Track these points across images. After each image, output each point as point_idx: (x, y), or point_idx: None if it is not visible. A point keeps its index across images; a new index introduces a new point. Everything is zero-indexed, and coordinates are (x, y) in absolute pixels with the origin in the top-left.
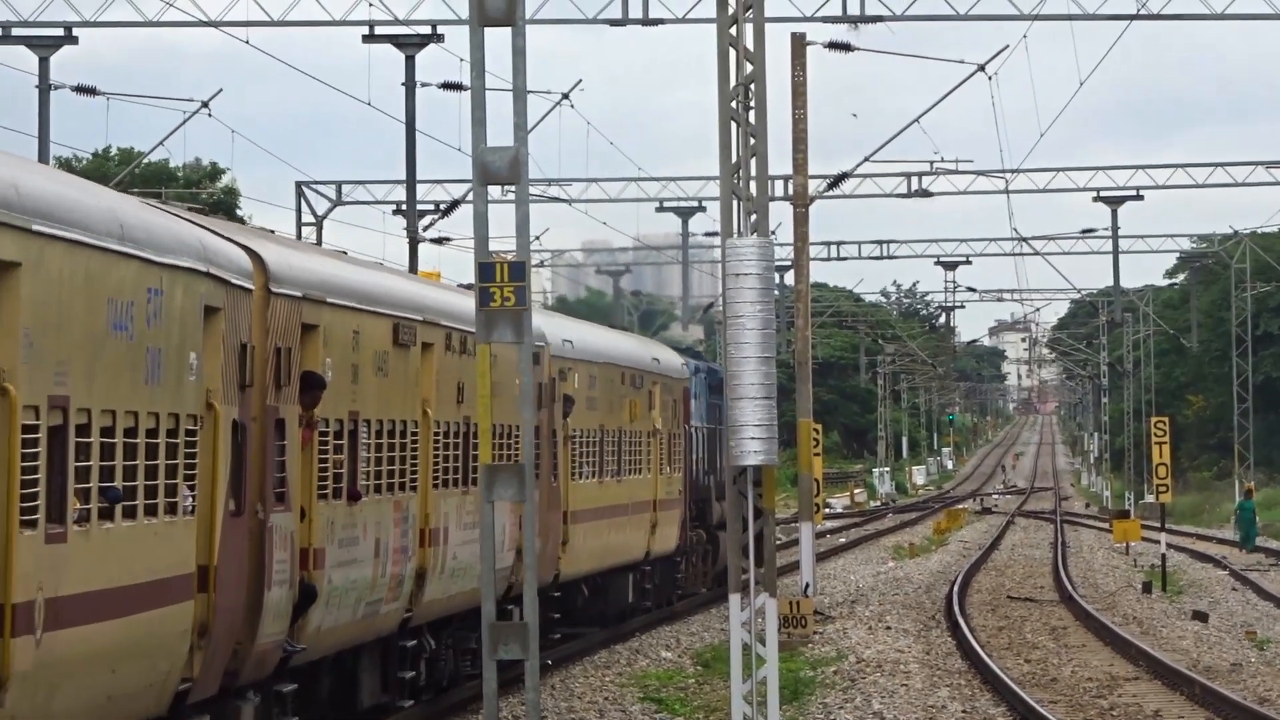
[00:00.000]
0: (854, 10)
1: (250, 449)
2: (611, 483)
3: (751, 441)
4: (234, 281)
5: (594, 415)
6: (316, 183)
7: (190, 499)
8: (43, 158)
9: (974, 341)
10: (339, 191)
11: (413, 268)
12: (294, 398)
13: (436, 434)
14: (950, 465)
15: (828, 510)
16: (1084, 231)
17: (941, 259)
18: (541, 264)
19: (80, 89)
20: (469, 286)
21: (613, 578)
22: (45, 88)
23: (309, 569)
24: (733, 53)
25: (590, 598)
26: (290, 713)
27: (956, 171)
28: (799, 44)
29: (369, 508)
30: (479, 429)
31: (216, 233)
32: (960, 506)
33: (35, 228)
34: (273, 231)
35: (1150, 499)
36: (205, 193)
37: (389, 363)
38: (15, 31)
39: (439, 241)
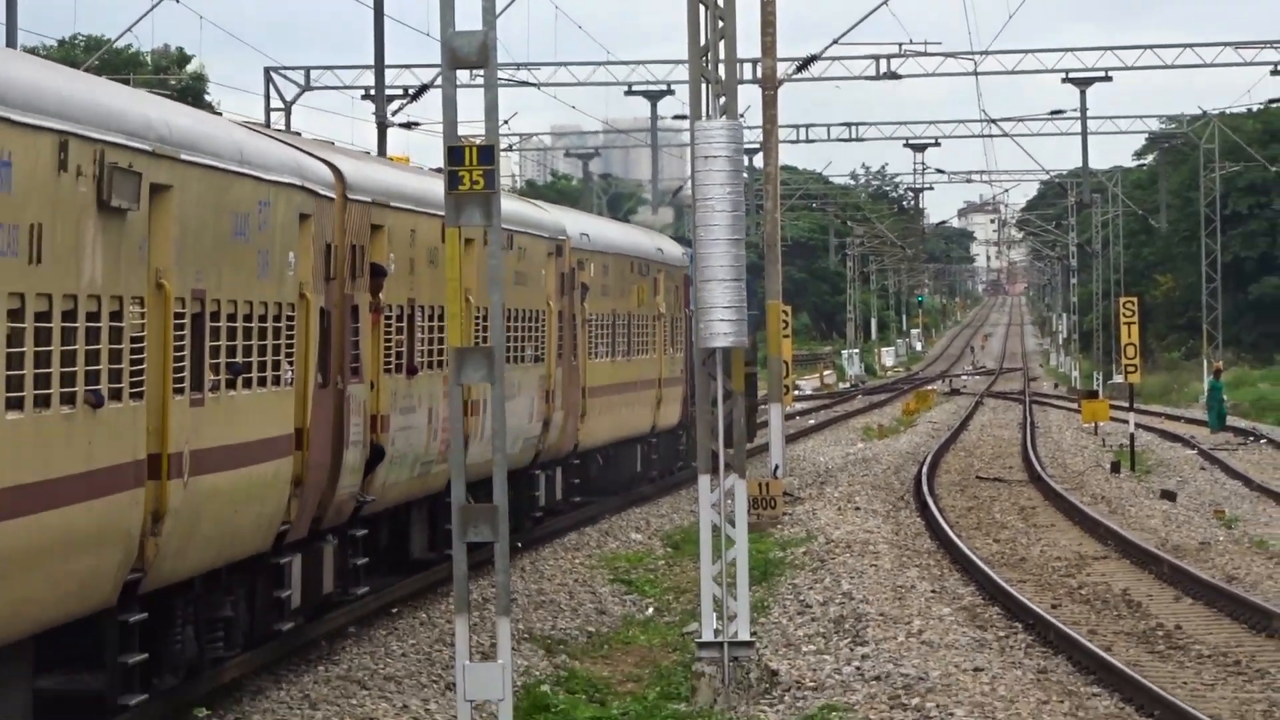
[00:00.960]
0: None
1: (333, 331)
2: (623, 362)
3: (721, 324)
4: (320, 192)
5: (607, 301)
6: (285, 68)
7: (289, 373)
8: (10, 45)
9: (943, 223)
10: (307, 77)
11: (381, 152)
12: (365, 287)
13: (477, 318)
14: (919, 347)
15: (797, 392)
16: (1053, 113)
17: (910, 141)
18: (510, 148)
19: None
20: (438, 170)
21: (623, 449)
22: None
23: (377, 432)
24: None
25: (604, 467)
26: (358, 555)
27: (925, 54)
28: None
29: (423, 381)
30: (447, 311)
31: (307, 152)
32: (929, 388)
33: (182, 156)
34: (333, 143)
35: (1118, 379)
36: (173, 79)
37: (439, 256)
38: None
39: (408, 126)
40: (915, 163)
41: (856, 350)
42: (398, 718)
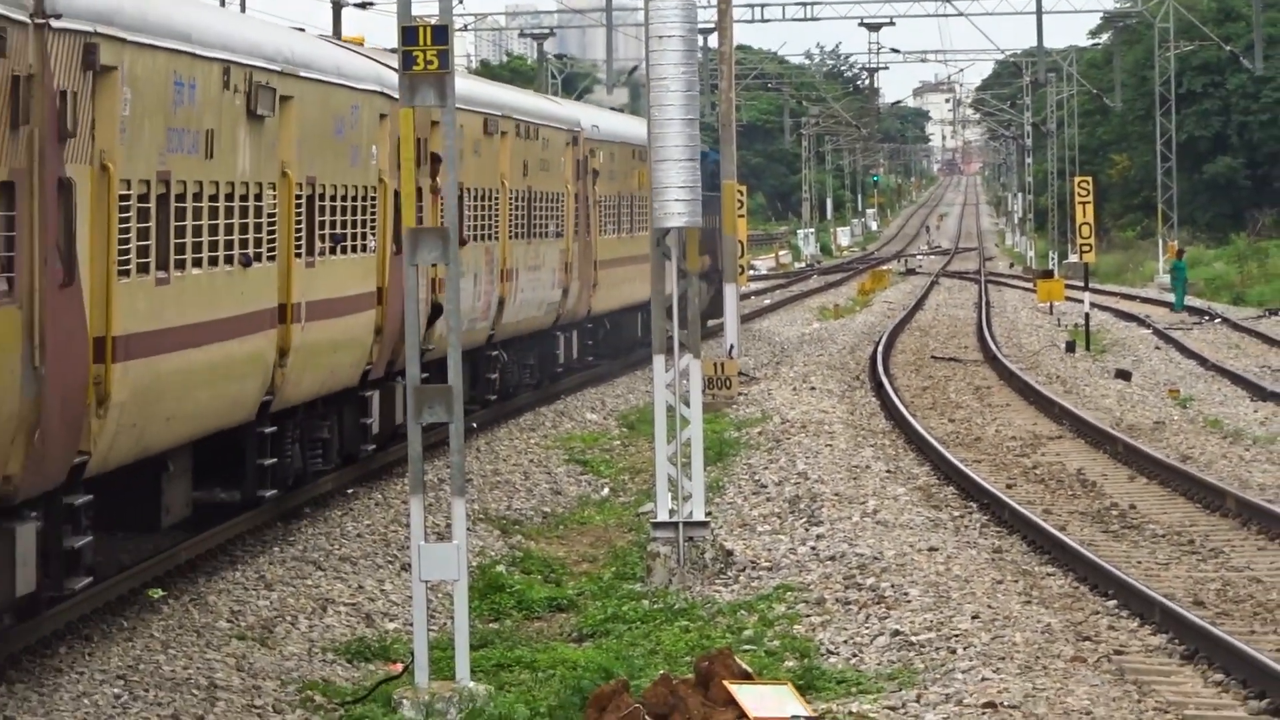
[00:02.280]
0: None
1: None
2: (627, 238)
3: (675, 204)
4: (394, 95)
5: (613, 184)
6: None
7: (372, 242)
8: None
9: (898, 103)
10: None
11: (336, 33)
12: (427, 173)
13: (511, 198)
14: (875, 226)
15: (752, 272)
16: None
17: (865, 20)
18: (465, 28)
19: None
20: (393, 50)
21: (627, 315)
22: None
23: (436, 292)
24: None
25: (610, 331)
26: None
27: None
28: None
29: (471, 251)
30: (402, 192)
31: (383, 64)
32: (885, 267)
33: (300, 74)
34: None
35: (1074, 258)
36: None
37: (481, 147)
38: None
39: (362, 6)
40: (870, 42)
41: (812, 230)
42: (353, 598)
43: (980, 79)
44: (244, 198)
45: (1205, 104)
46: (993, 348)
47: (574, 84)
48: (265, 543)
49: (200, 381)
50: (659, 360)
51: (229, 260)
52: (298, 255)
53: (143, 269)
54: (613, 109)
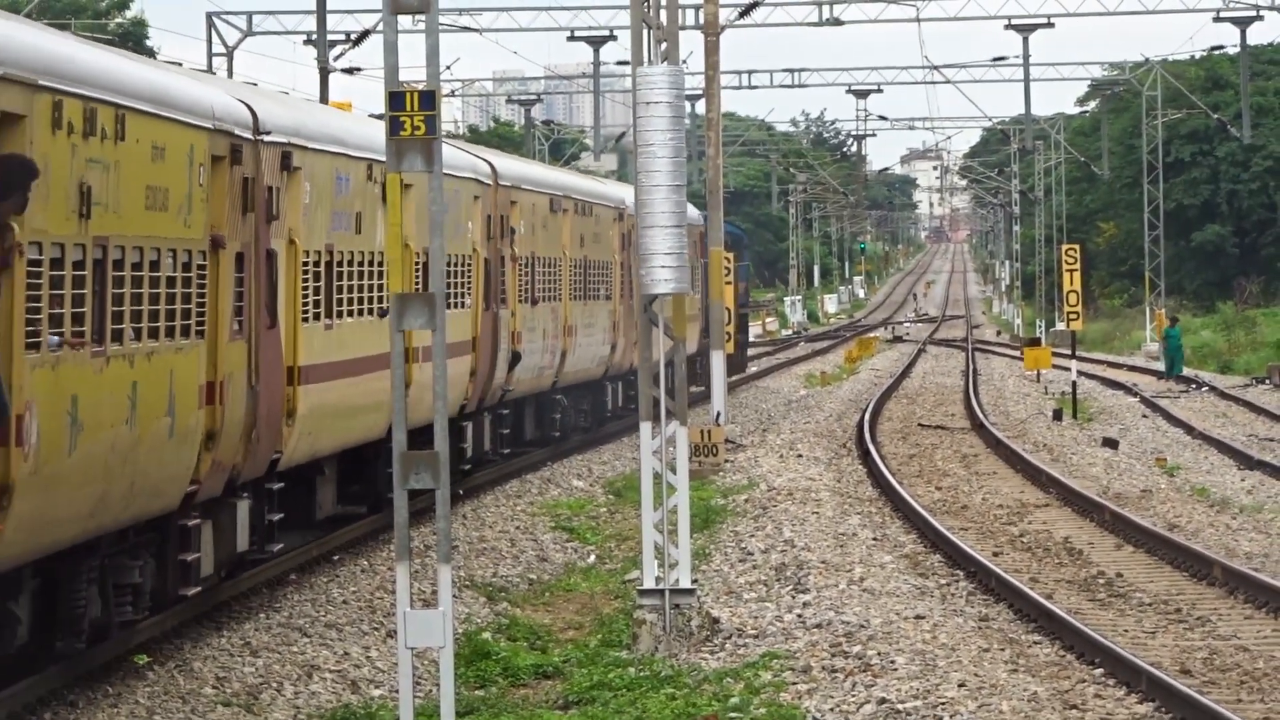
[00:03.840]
0: None
1: (491, 274)
2: None
3: (662, 270)
4: (485, 181)
5: None
6: (227, 13)
7: (467, 299)
8: None
9: (885, 170)
10: (249, 22)
11: (324, 98)
12: (508, 244)
13: (571, 266)
14: (862, 293)
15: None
16: (995, 59)
17: (853, 87)
18: (452, 94)
19: None
20: (379, 116)
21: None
22: None
23: (515, 343)
24: None
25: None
26: (506, 426)
27: (867, 0)
28: None
29: (540, 309)
30: (387, 257)
31: (476, 154)
32: (872, 335)
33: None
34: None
35: (1061, 326)
36: (113, 23)
37: (549, 223)
38: None
39: (350, 71)
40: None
41: (799, 297)
42: (339, 664)
43: (968, 146)
44: (380, 264)
45: (1193, 172)
46: (980, 415)
47: (561, 150)
48: (250, 609)
49: (350, 405)
50: (646, 427)
51: (371, 312)
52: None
53: (316, 317)
54: (602, 175)
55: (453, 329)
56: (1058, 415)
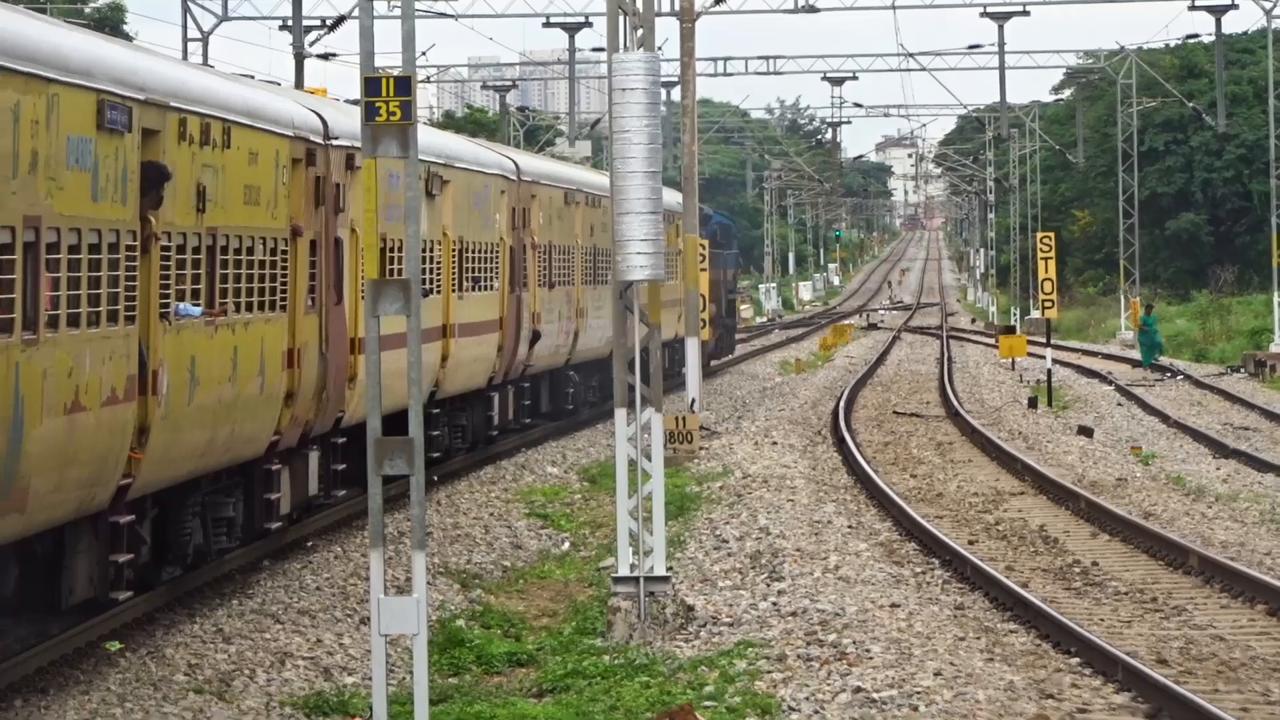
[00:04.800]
0: None
1: (515, 259)
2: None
3: (638, 256)
4: (511, 177)
5: None
6: None
7: (495, 283)
8: None
9: (860, 157)
10: (225, 7)
11: (299, 84)
12: (529, 233)
13: (583, 253)
14: (836, 281)
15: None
16: (970, 47)
17: (828, 75)
18: (428, 80)
19: None
20: (355, 102)
21: (665, 348)
22: None
23: (536, 323)
24: None
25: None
26: (526, 398)
27: None
28: None
29: (556, 293)
30: (364, 242)
31: (502, 153)
32: (846, 322)
33: (455, 165)
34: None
35: (1036, 314)
36: (89, 8)
37: (564, 214)
38: None
39: (325, 58)
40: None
41: (774, 284)
42: (312, 651)
43: (943, 134)
44: (426, 250)
45: (1168, 160)
46: (955, 403)
47: (536, 136)
48: (223, 595)
49: (398, 372)
50: (621, 414)
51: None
52: (455, 290)
53: None
54: (577, 161)
55: (482, 309)
56: (1033, 403)
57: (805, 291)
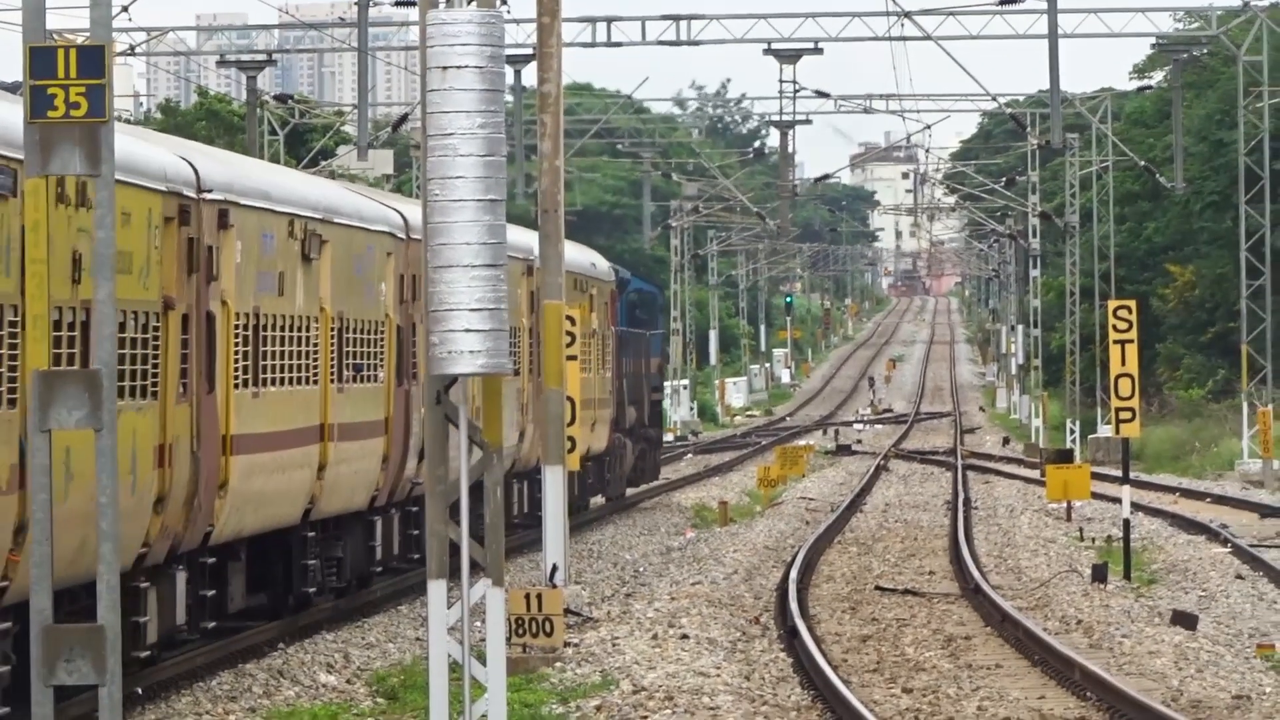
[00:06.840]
0: None
1: (404, 344)
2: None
3: (466, 337)
4: (398, 235)
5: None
6: None
7: (381, 373)
8: None
9: (826, 178)
10: None
11: None
12: (418, 308)
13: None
14: (787, 377)
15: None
16: (1002, 2)
17: (774, 45)
18: (132, 50)
19: None
20: (13, 87)
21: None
22: None
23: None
24: None
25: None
26: (414, 526)
27: None
28: None
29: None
30: (31, 311)
31: (391, 206)
32: (802, 443)
33: (334, 220)
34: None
35: (1107, 431)
36: None
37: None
38: None
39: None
40: (782, 81)
41: (685, 382)
42: None
43: (958, 141)
44: (302, 329)
45: None
46: (975, 574)
47: (305, 141)
48: None
49: (274, 480)
50: (436, 589)
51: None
52: (335, 379)
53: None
54: (373, 182)
55: (366, 406)
56: (1100, 574)
57: (736, 394)
